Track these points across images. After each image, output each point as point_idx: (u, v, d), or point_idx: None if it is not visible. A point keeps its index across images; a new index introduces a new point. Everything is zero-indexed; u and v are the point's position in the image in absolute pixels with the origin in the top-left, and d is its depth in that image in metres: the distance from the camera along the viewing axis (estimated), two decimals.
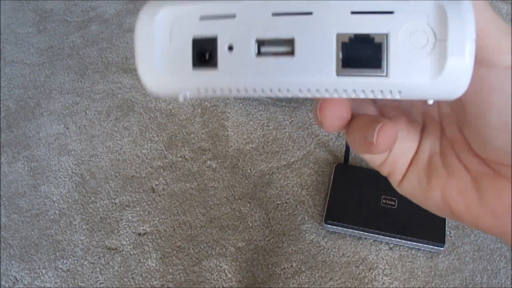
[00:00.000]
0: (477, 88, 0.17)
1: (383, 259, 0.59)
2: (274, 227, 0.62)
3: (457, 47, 0.15)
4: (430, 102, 0.17)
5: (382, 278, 0.57)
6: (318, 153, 0.71)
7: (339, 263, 0.59)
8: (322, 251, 0.60)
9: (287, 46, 0.16)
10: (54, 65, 0.86)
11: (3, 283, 0.58)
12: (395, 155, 0.22)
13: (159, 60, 0.17)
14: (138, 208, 0.65)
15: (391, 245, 0.60)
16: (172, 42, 0.17)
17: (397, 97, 0.16)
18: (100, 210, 0.65)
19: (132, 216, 0.64)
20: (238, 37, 0.16)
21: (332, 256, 0.59)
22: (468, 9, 0.15)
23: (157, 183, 0.67)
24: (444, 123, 0.21)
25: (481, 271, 0.58)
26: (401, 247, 0.60)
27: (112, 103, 0.78)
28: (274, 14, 0.16)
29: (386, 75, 0.16)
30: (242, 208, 0.64)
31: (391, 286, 0.57)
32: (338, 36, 0.15)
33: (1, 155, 0.72)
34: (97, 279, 0.58)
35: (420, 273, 0.58)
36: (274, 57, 0.16)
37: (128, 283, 0.58)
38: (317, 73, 0.16)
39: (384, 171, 0.23)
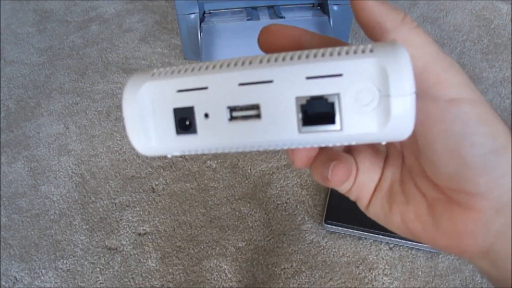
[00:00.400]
0: (423, 120, 0.19)
1: (383, 259, 0.59)
2: (274, 227, 0.62)
3: (398, 101, 0.17)
4: (383, 143, 0.19)
5: (382, 278, 0.57)
6: None
7: (339, 263, 0.59)
8: (322, 251, 0.60)
9: (254, 111, 0.18)
10: (54, 65, 0.86)
11: (3, 283, 0.58)
12: (360, 183, 0.24)
13: (146, 130, 0.20)
14: (138, 208, 0.65)
15: (391, 245, 0.60)
16: (156, 113, 0.20)
17: (353, 143, 0.19)
18: (100, 210, 0.65)
19: (132, 216, 0.64)
20: (211, 105, 0.19)
21: (332, 256, 0.59)
22: (405, 63, 0.17)
23: (157, 183, 0.67)
24: (404, 153, 0.23)
25: None
26: (401, 247, 0.60)
27: (112, 103, 0.78)
28: (240, 84, 0.18)
29: (341, 129, 0.18)
30: (242, 208, 0.64)
31: (391, 286, 0.57)
32: (297, 99, 0.18)
33: (1, 155, 0.72)
34: (97, 279, 0.58)
35: (420, 273, 0.58)
36: (244, 121, 0.18)
37: (128, 283, 0.58)
38: (281, 132, 0.18)
39: (352, 197, 0.25)
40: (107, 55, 0.86)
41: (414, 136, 0.20)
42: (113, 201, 0.66)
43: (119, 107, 0.77)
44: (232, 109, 0.19)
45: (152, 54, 0.86)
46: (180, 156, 0.70)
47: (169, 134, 0.20)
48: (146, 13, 0.95)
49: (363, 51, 0.17)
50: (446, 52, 0.20)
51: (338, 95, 0.17)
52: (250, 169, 0.69)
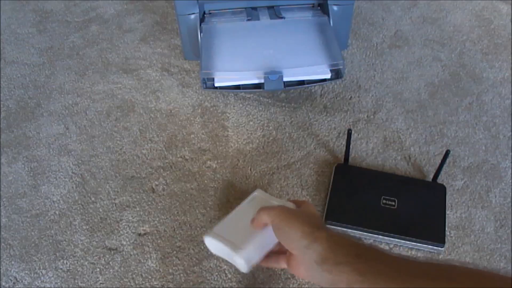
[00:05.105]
0: (291, 262, 0.45)
1: None
2: None
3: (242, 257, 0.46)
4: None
5: None
6: (318, 153, 0.70)
7: None
8: None
9: None
10: (54, 65, 0.86)
11: (3, 283, 0.58)
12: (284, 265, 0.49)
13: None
14: (138, 208, 0.65)
15: (391, 245, 0.60)
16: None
17: None
18: (100, 210, 0.65)
19: (132, 216, 0.64)
20: None
21: None
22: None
23: (157, 183, 0.67)
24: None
25: None
26: (401, 247, 0.60)
27: (112, 103, 0.78)
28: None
29: None
30: None
31: None
32: None
33: (1, 155, 0.72)
34: (97, 280, 0.58)
35: None
36: None
37: (128, 283, 0.58)
38: None
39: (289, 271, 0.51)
40: (107, 55, 0.87)
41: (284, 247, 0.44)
42: (113, 201, 0.66)
43: (119, 107, 0.77)
44: None
45: (152, 54, 0.86)
46: (180, 156, 0.70)
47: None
48: (146, 13, 0.95)
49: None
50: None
51: None
52: (250, 169, 0.69)
